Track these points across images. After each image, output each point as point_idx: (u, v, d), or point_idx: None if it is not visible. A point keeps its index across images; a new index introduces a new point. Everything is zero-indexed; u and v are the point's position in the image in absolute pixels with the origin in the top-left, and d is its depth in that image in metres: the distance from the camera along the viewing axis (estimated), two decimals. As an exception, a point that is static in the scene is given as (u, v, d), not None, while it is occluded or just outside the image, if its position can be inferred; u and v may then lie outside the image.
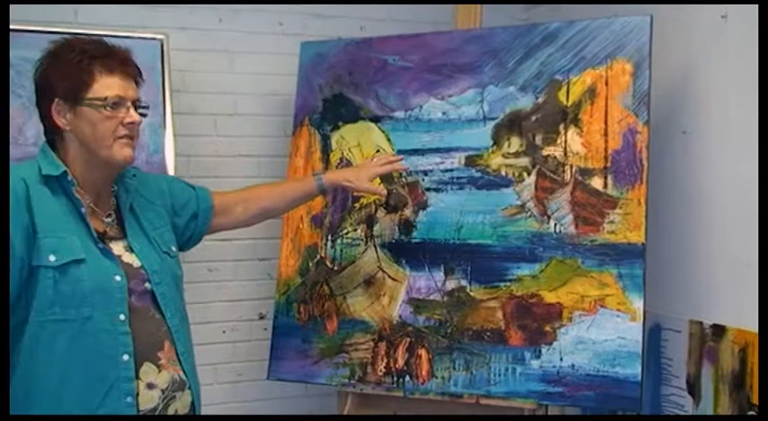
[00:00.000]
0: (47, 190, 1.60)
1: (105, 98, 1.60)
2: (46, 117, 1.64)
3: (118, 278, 1.60)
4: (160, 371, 1.62)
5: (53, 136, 1.65)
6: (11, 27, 2.23)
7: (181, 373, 1.66)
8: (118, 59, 1.64)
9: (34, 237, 1.55)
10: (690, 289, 2.14)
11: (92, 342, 1.56)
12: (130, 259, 1.66)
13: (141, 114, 1.67)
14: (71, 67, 1.60)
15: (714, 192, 2.06)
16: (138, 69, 1.70)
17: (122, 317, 1.59)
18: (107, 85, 1.60)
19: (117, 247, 1.66)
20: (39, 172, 1.60)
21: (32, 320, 1.54)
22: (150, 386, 1.60)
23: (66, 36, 1.68)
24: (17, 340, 1.55)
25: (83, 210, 1.62)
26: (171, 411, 1.63)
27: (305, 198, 2.13)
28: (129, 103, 1.64)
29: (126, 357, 1.57)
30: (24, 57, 2.24)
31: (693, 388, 2.11)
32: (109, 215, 1.69)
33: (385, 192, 2.23)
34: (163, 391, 1.62)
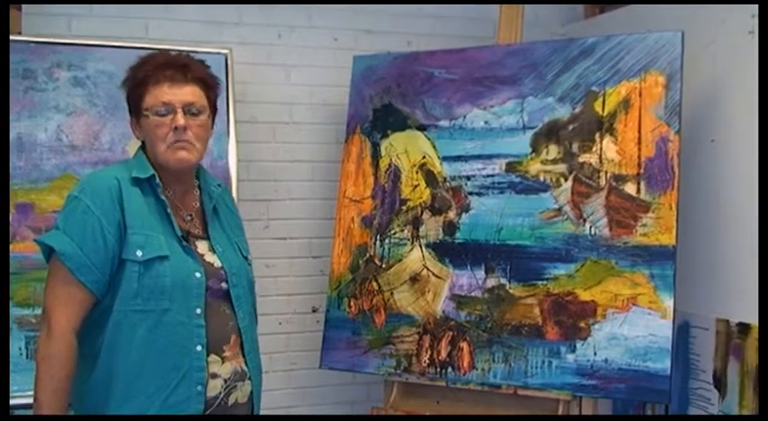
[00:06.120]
0: (137, 190, 1.64)
1: (151, 107, 1.64)
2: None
3: (198, 275, 1.64)
4: (224, 362, 1.66)
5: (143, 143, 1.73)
6: (86, 42, 2.39)
7: (243, 365, 1.69)
8: (174, 67, 1.66)
9: (125, 233, 1.60)
10: (717, 289, 2.16)
11: (168, 332, 1.60)
12: (212, 259, 1.70)
13: (192, 114, 1.65)
14: (134, 85, 1.67)
15: (740, 197, 2.08)
16: (203, 75, 1.70)
17: (198, 311, 1.63)
18: (154, 95, 1.63)
19: (201, 246, 1.71)
20: (130, 174, 1.66)
21: (116, 309, 1.59)
22: (214, 376, 1.64)
23: (141, 55, 1.72)
24: (103, 325, 1.60)
25: (169, 210, 1.67)
26: (231, 399, 1.67)
27: None
28: (180, 108, 1.64)
29: (199, 348, 1.62)
30: (101, 70, 2.37)
31: (720, 382, 2.13)
32: (189, 215, 1.73)
33: None
34: (225, 381, 1.65)
